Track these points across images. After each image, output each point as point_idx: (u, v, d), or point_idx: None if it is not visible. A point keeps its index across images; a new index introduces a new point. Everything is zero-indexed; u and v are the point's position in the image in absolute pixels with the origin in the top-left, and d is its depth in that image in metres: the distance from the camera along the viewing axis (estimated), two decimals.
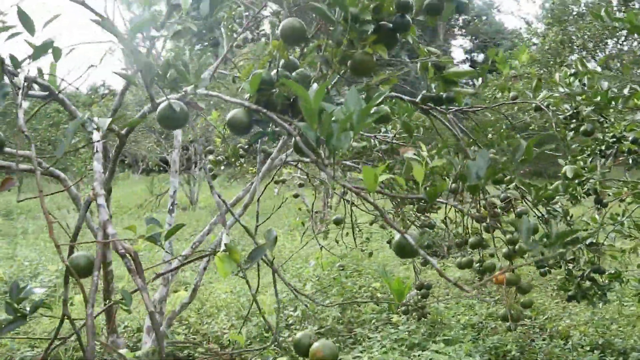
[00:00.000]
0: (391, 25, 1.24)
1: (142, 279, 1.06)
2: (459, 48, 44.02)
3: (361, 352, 3.67)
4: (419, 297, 3.69)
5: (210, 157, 4.84)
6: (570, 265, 3.12)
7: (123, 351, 1.27)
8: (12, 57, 1.29)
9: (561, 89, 2.97)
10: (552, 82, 3.05)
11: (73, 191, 2.59)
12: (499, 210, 2.58)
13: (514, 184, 2.53)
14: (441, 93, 1.50)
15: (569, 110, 2.89)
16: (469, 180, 1.08)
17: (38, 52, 1.28)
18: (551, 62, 9.65)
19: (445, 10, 1.20)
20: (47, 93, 1.68)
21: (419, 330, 3.95)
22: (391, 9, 1.23)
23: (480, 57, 42.88)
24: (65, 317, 1.11)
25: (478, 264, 2.87)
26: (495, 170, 1.10)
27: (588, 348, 3.83)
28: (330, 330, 4.14)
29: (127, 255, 1.06)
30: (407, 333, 3.88)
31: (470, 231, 2.86)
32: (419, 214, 3.47)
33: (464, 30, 43.43)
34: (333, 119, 1.04)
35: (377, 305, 4.89)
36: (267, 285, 5.91)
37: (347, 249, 6.02)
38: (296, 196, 5.12)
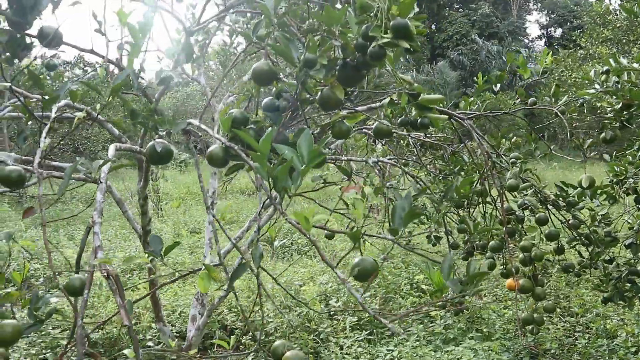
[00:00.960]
0: (354, 63, 1.33)
1: (122, 297, 1.23)
2: (534, 24, 41.82)
3: (395, 345, 3.78)
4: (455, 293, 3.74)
5: None
6: (609, 266, 3.04)
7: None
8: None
9: (597, 86, 2.89)
10: (587, 78, 2.97)
11: (117, 195, 2.87)
12: (519, 216, 2.58)
13: (532, 190, 2.52)
14: (417, 118, 1.57)
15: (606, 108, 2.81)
16: (393, 223, 1.16)
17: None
18: (624, 40, 9.04)
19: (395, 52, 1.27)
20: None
21: (455, 325, 3.99)
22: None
23: (558, 32, 40.56)
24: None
25: (502, 267, 2.88)
26: (416, 214, 1.16)
27: (634, 349, 3.71)
28: (369, 322, 4.27)
29: (110, 277, 1.24)
30: (443, 327, 3.94)
31: (492, 235, 2.88)
32: (457, 210, 3.50)
33: (540, 5, 41.13)
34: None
35: (423, 296, 4.95)
36: (318, 274, 6.11)
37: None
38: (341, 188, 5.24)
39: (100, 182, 1.50)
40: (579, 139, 2.21)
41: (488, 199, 2.86)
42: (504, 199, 2.79)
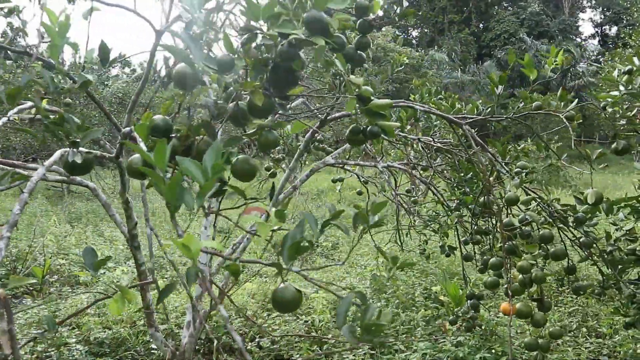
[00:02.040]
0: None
1: (9, 322, 1.12)
2: (587, 22, 40.10)
3: None
4: (469, 307, 3.49)
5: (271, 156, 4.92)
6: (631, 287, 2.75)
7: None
8: None
9: (622, 88, 2.61)
10: (609, 79, 2.70)
11: (103, 199, 2.80)
12: (524, 232, 2.34)
13: (535, 204, 2.28)
14: (367, 126, 1.38)
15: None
16: (281, 255, 0.99)
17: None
18: None
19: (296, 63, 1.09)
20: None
21: (467, 342, 3.74)
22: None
23: (613, 30, 38.79)
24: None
25: (505, 285, 2.64)
26: (304, 248, 0.99)
27: None
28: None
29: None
30: (453, 344, 3.70)
31: (494, 251, 2.64)
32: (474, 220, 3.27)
33: (594, 2, 39.41)
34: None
35: (440, 308, 4.71)
36: (337, 279, 5.95)
37: (406, 250, 5.86)
38: (360, 193, 5.07)
39: (23, 193, 1.40)
40: (585, 149, 1.96)
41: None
42: (506, 212, 2.55)
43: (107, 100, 14.26)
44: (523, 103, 2.25)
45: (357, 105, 1.30)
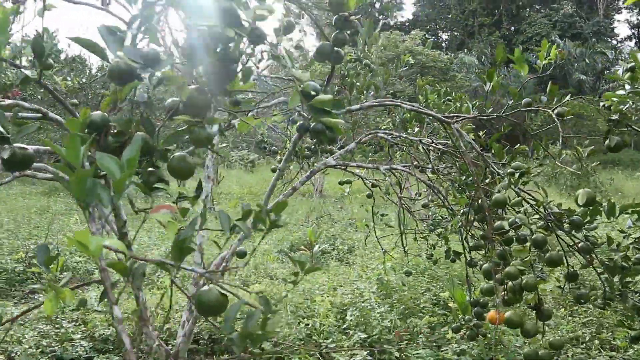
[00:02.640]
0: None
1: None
2: (623, 23, 38.97)
3: None
4: (473, 315, 3.37)
5: (278, 157, 4.89)
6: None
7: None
8: None
9: (627, 87, 2.47)
10: (615, 78, 2.56)
11: None
12: (520, 236, 2.22)
13: (525, 207, 2.16)
14: (312, 124, 1.30)
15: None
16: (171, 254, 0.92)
17: None
18: None
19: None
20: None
21: (469, 351, 3.61)
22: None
23: None
24: None
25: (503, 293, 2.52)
26: (188, 248, 0.93)
27: None
28: (377, 340, 3.97)
29: None
30: (455, 353, 3.57)
31: (488, 257, 2.53)
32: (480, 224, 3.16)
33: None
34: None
35: (449, 315, 4.58)
36: (347, 283, 5.86)
37: (414, 255, 5.73)
38: (370, 196, 4.99)
39: None
40: (576, 146, 1.84)
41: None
42: (495, 215, 2.44)
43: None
44: (512, 100, 2.13)
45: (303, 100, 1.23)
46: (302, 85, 1.21)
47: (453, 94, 4.01)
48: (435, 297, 4.88)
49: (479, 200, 2.19)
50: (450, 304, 4.70)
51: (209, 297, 1.06)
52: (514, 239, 2.26)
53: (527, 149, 2.42)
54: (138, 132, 1.18)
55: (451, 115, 2.27)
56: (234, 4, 0.92)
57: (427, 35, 37.07)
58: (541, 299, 2.26)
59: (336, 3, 1.78)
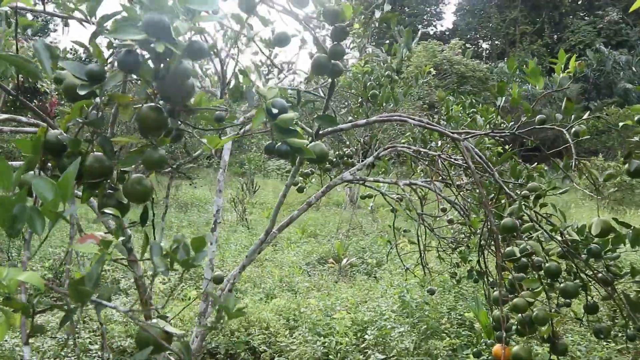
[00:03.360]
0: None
1: None
2: None
3: None
4: (495, 339, 3.19)
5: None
6: None
7: None
8: None
9: None
10: None
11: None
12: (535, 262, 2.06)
13: (539, 232, 2.00)
14: (277, 143, 1.20)
15: None
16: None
17: None
18: None
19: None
20: None
21: None
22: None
23: None
24: None
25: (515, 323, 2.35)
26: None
27: None
28: None
29: None
30: None
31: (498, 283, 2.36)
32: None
33: None
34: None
35: (472, 337, 4.38)
36: (366, 300, 5.70)
37: (438, 273, 5.51)
38: (393, 211, 4.85)
39: None
40: (590, 169, 1.67)
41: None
42: (512, 238, 2.27)
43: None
44: (525, 117, 1.98)
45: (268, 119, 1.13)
46: (265, 102, 1.12)
47: (480, 106, 3.85)
48: (460, 317, 4.67)
49: (489, 224, 2.04)
50: (476, 325, 4.49)
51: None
52: (530, 264, 2.10)
53: (541, 167, 2.25)
54: (93, 154, 1.12)
55: (461, 131, 2.14)
56: (164, 17, 0.84)
57: (467, 45, 36.46)
58: (556, 331, 2.09)
59: (331, 13, 1.69)
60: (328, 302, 5.10)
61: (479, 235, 2.39)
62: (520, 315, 1.88)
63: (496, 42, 42.98)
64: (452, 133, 2.07)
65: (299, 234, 10.35)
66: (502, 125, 2.24)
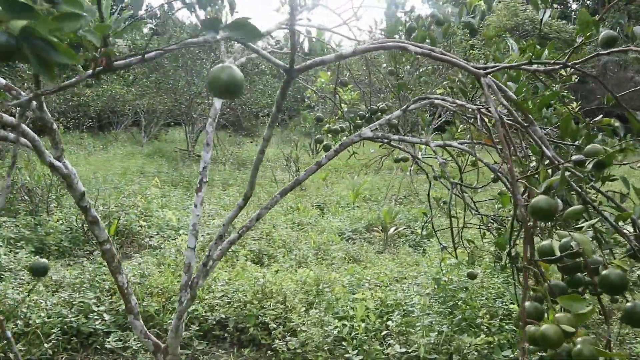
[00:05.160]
0: None
1: None
2: None
3: None
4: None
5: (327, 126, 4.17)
6: None
7: None
8: None
9: None
10: None
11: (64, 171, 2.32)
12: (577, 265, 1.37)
13: (596, 220, 1.30)
14: None
15: None
16: None
17: None
18: None
19: None
20: None
21: None
22: None
23: None
24: None
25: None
26: None
27: None
28: (414, 358, 3.20)
29: None
30: None
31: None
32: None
33: None
34: None
35: (516, 332, 3.67)
36: (405, 277, 5.07)
37: (482, 254, 4.73)
38: (435, 178, 4.16)
39: None
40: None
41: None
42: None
43: None
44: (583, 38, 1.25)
45: None
46: None
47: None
48: (506, 309, 3.95)
49: (516, 207, 1.35)
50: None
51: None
52: (582, 265, 1.41)
53: (609, 121, 1.51)
54: None
55: (483, 65, 1.43)
56: None
57: (553, 4, 33.48)
58: None
59: None
60: (353, 278, 4.52)
61: (512, 216, 1.70)
62: (552, 350, 1.21)
63: (587, 2, 39.25)
64: (472, 67, 1.38)
65: (351, 198, 9.75)
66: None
